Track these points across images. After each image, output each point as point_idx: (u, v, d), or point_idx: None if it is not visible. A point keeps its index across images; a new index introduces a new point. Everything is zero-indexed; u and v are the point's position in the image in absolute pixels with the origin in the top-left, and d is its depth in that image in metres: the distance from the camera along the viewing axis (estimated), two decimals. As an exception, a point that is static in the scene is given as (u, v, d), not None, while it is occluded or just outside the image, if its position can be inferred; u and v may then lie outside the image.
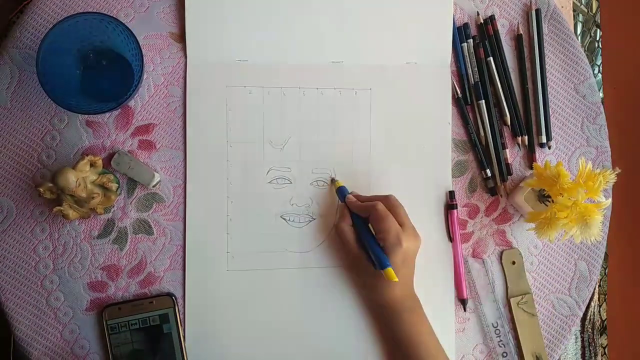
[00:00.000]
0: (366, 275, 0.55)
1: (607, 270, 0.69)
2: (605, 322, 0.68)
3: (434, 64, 0.61)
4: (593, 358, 0.67)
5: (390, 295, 0.53)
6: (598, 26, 0.69)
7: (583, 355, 0.67)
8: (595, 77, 0.64)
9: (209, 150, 0.59)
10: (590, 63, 0.64)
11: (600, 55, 0.69)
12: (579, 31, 0.69)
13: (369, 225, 0.56)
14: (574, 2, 0.67)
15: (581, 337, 0.66)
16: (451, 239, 0.60)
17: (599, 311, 0.67)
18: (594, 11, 0.68)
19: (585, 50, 0.67)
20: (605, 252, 0.63)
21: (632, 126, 0.70)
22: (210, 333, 0.58)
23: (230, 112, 0.59)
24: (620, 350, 0.69)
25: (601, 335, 0.68)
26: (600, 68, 0.69)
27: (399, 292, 0.54)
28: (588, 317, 0.66)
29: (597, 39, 0.69)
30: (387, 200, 0.55)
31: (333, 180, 0.60)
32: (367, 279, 0.56)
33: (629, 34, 0.71)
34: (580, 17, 0.68)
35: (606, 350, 0.68)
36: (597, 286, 0.66)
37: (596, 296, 0.67)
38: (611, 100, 0.70)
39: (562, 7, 0.65)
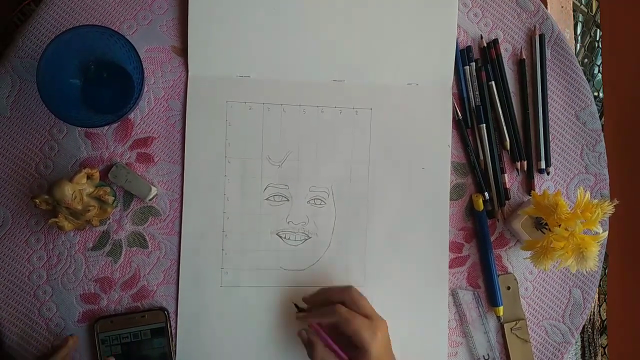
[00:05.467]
0: None
1: (607, 270, 0.68)
2: (605, 322, 0.67)
3: (436, 85, 0.61)
4: (593, 358, 0.67)
5: None
6: (598, 26, 0.68)
7: (583, 355, 0.66)
8: (595, 77, 0.63)
9: (207, 165, 0.58)
10: (590, 63, 0.63)
11: (600, 55, 0.69)
12: (579, 31, 0.68)
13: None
14: (574, 2, 0.67)
15: (581, 337, 0.66)
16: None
17: (599, 311, 0.67)
18: (594, 11, 0.67)
19: (585, 50, 0.67)
20: (606, 252, 0.62)
21: (631, 135, 0.69)
22: (202, 349, 0.57)
23: (230, 128, 0.59)
24: (620, 350, 0.68)
25: (601, 335, 0.67)
26: (600, 68, 0.69)
27: None
28: (588, 317, 0.66)
29: (597, 39, 0.69)
30: (348, 296, 0.52)
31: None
32: None
33: (629, 34, 0.71)
34: (580, 17, 0.68)
35: (606, 350, 0.68)
36: (597, 286, 0.65)
37: (596, 296, 0.66)
38: (611, 127, 0.69)
39: (562, 7, 0.65)
